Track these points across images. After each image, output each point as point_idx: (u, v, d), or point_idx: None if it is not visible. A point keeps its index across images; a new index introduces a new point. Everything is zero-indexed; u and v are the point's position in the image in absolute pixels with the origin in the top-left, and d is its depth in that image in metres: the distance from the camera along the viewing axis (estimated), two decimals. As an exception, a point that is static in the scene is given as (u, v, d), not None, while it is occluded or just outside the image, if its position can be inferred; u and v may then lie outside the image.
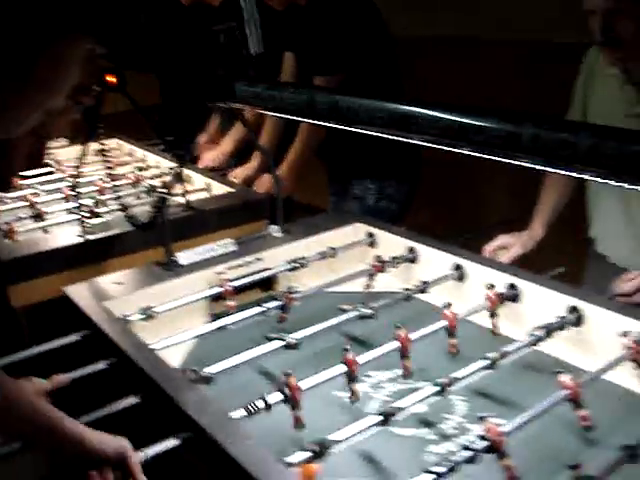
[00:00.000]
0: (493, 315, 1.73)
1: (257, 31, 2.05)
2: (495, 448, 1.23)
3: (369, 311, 1.75)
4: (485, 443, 1.23)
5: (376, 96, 1.40)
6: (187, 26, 3.31)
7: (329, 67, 2.79)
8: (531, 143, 1.12)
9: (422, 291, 1.89)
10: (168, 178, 2.07)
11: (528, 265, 1.98)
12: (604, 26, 1.88)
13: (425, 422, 1.49)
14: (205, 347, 1.79)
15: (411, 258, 2.08)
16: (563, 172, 1.14)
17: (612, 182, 1.06)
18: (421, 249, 2.08)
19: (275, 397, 1.37)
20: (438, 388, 1.43)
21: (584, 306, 1.66)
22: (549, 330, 1.62)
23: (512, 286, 1.79)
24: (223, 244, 2.10)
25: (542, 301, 1.74)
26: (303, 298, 1.87)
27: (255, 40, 2.05)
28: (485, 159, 1.22)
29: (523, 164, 1.16)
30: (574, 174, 1.12)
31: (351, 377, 1.47)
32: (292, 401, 1.37)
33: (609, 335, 1.58)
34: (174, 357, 1.71)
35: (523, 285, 1.78)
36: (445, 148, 1.28)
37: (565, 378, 1.39)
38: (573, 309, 1.67)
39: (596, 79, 2.20)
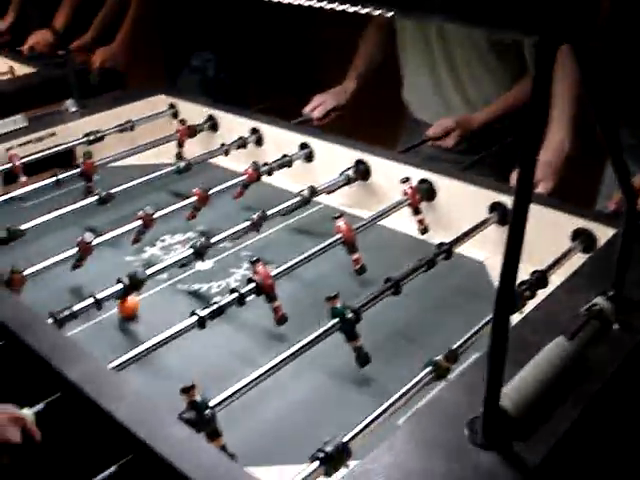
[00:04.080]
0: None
1: None
2: (263, 290, 1.26)
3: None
4: (252, 285, 1.25)
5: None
6: None
7: None
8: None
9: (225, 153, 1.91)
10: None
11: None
12: None
13: (212, 277, 1.50)
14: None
15: (211, 125, 2.06)
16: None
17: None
18: (221, 116, 2.05)
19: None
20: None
21: (370, 159, 1.70)
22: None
23: (304, 145, 1.82)
24: (12, 120, 1.98)
25: (332, 157, 1.76)
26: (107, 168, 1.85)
27: None
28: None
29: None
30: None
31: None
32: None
33: (393, 185, 1.62)
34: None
35: (314, 144, 1.80)
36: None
37: (340, 223, 1.42)
38: (359, 162, 1.71)
39: None
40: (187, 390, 0.94)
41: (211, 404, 0.96)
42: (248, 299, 1.25)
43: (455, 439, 0.86)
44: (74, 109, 2.11)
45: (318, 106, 2.12)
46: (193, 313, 1.17)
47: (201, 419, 0.93)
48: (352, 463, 0.88)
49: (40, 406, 0.96)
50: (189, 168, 1.81)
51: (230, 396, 0.99)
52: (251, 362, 1.07)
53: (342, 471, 0.87)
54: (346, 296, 1.19)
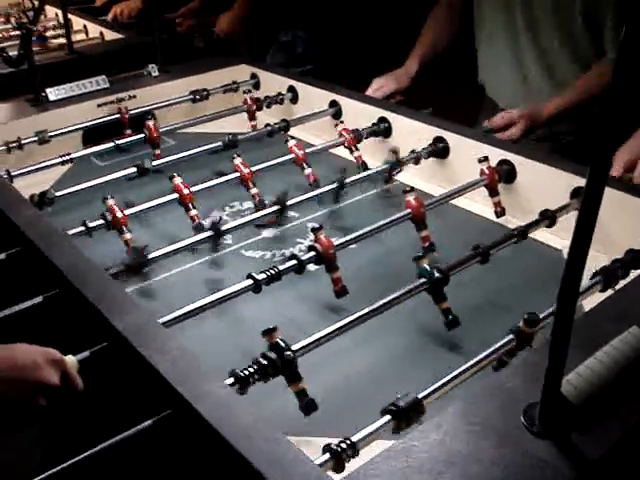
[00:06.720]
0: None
1: None
2: (324, 260, 1.21)
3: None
4: (313, 253, 1.21)
5: None
6: None
7: None
8: None
9: (285, 129, 1.87)
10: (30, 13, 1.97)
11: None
12: None
13: (276, 246, 1.47)
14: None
15: (290, 97, 2.03)
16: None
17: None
18: (302, 88, 2.02)
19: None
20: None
21: (449, 136, 1.63)
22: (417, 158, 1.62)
23: (383, 119, 1.76)
24: (95, 80, 1.99)
25: (411, 132, 1.70)
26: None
27: None
28: None
29: None
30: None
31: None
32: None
33: (472, 164, 1.55)
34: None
35: (393, 118, 1.75)
36: None
37: (410, 197, 1.36)
38: (438, 139, 1.64)
39: None
40: (269, 332, 0.95)
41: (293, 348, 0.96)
42: (308, 268, 1.21)
43: (509, 424, 0.80)
44: (156, 74, 2.11)
45: (378, 90, 2.03)
46: (249, 276, 1.14)
47: (282, 361, 0.94)
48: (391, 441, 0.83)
49: (85, 354, 0.95)
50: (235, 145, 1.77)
51: (312, 343, 0.99)
52: (306, 332, 1.03)
53: (386, 443, 0.82)
54: (410, 275, 1.14)
